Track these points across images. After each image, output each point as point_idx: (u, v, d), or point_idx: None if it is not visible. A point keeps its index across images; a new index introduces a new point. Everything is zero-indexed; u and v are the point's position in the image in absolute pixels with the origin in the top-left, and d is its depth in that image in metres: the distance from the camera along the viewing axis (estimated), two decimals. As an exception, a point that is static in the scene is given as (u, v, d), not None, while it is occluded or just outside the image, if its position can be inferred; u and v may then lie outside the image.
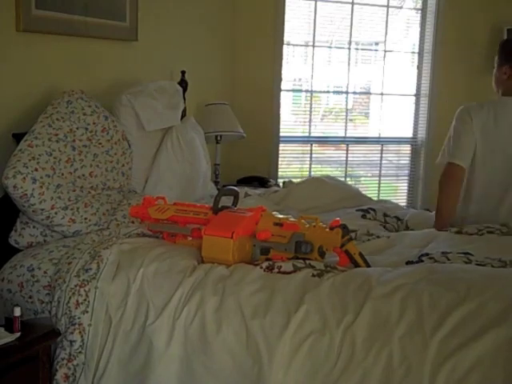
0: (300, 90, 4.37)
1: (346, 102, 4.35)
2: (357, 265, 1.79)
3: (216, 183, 3.37)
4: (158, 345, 1.68)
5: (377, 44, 4.45)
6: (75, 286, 1.82)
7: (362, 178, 4.50)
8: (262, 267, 1.76)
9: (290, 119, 4.29)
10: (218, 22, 3.69)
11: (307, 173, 4.25)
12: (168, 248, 1.93)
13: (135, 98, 2.60)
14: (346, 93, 4.34)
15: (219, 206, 1.96)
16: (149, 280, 1.78)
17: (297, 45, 4.21)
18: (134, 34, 2.92)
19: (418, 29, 4.36)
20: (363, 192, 3.18)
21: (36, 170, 2.06)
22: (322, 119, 4.43)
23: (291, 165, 4.27)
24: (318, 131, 4.35)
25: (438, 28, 4.27)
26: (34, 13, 2.37)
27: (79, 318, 1.79)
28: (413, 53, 4.41)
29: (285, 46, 4.01)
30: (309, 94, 4.27)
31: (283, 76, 4.01)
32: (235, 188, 2.12)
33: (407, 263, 1.87)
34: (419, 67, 4.41)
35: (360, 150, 4.45)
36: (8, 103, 2.32)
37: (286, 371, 1.53)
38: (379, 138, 4.45)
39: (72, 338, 1.78)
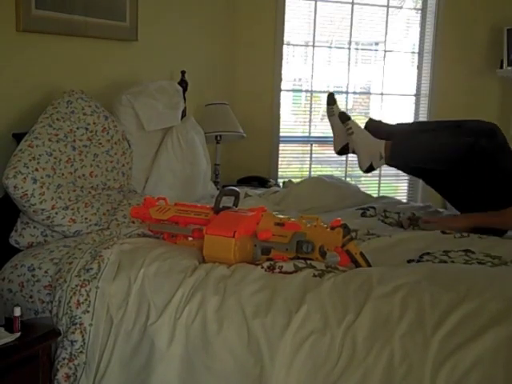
0: (300, 90, 4.37)
1: (346, 102, 4.35)
2: (358, 264, 1.79)
3: (216, 183, 3.37)
4: (160, 345, 1.68)
5: (377, 44, 4.45)
6: (76, 285, 1.82)
7: (362, 178, 4.49)
8: (263, 267, 1.76)
9: (290, 119, 4.29)
10: (218, 22, 3.69)
11: (307, 173, 4.25)
12: (169, 248, 1.93)
13: (135, 98, 2.60)
14: (346, 93, 4.34)
15: (220, 206, 1.96)
16: (150, 280, 1.78)
17: (297, 45, 4.21)
18: (134, 34, 2.92)
19: (418, 29, 4.37)
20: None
21: (36, 170, 2.06)
22: (322, 119, 4.42)
23: (291, 165, 4.27)
24: (317, 131, 4.34)
25: (438, 28, 4.27)
26: (34, 13, 2.37)
27: (80, 317, 1.78)
28: (413, 53, 4.41)
29: (285, 46, 4.01)
30: (309, 94, 4.27)
31: (283, 76, 4.02)
32: (236, 188, 2.12)
33: (408, 262, 1.88)
34: (419, 67, 4.41)
35: (360, 150, 4.44)
36: (8, 103, 2.32)
37: (287, 370, 1.53)
38: (379, 138, 4.44)
39: (73, 338, 1.78)
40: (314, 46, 4.17)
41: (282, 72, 4.00)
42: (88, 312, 1.79)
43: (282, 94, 4.04)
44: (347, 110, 4.35)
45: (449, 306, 1.49)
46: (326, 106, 2.54)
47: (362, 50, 4.41)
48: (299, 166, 4.31)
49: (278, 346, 1.55)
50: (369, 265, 1.80)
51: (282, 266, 1.75)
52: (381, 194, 4.33)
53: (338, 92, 4.40)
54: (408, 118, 4.46)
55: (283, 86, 4.04)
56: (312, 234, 1.81)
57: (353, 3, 4.18)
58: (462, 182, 2.30)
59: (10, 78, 2.33)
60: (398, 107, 4.47)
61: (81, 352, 1.78)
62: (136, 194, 2.50)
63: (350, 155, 4.29)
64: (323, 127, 4.42)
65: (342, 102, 4.38)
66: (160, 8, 3.14)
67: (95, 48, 2.72)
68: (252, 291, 1.66)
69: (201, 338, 1.65)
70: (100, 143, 2.36)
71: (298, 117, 4.34)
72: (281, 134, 4.07)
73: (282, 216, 1.91)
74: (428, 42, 4.34)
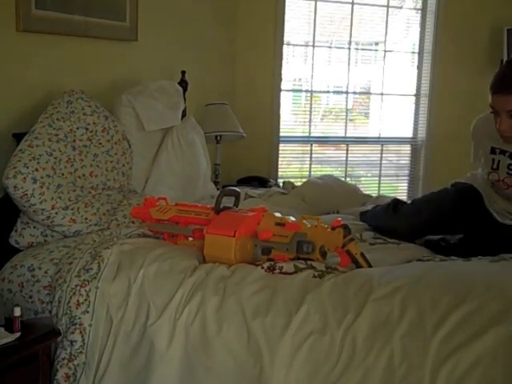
0: (300, 90, 4.37)
1: (346, 102, 4.35)
2: (358, 265, 1.79)
3: (216, 183, 3.37)
4: (159, 345, 1.68)
5: (377, 44, 4.45)
6: (76, 285, 1.82)
7: (362, 178, 4.50)
8: (263, 267, 1.76)
9: (290, 119, 4.29)
10: (218, 21, 3.69)
11: (307, 173, 4.25)
12: (169, 248, 1.93)
13: (135, 98, 2.60)
14: (346, 93, 4.34)
15: (221, 206, 1.96)
16: (149, 280, 1.78)
17: (297, 45, 4.21)
18: (134, 34, 2.92)
19: (418, 29, 4.36)
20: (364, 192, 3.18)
21: (36, 170, 2.06)
22: (321, 119, 4.43)
23: (291, 165, 4.27)
24: (317, 131, 4.35)
25: (438, 28, 4.27)
26: (34, 13, 2.37)
27: (80, 318, 1.79)
28: (413, 53, 4.41)
29: (285, 46, 4.01)
30: (309, 94, 4.27)
31: (283, 76, 4.01)
32: (236, 189, 2.12)
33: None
34: (419, 67, 4.41)
35: (360, 149, 4.45)
36: (8, 103, 2.32)
37: (287, 371, 1.53)
38: (379, 138, 4.45)
39: (73, 338, 1.78)
40: (314, 45, 4.17)
41: (282, 72, 4.00)
42: (88, 312, 1.79)
43: (282, 93, 4.04)
44: (347, 109, 4.35)
45: (449, 307, 1.49)
46: None
47: (362, 49, 4.41)
48: (299, 166, 4.31)
49: (278, 346, 1.55)
50: (369, 265, 1.79)
51: (282, 267, 1.74)
52: (380, 194, 4.34)
53: (338, 92, 4.41)
54: (408, 117, 4.46)
55: (283, 86, 4.04)
56: (313, 234, 1.81)
57: (353, 3, 4.17)
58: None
59: (10, 78, 2.33)
60: (398, 107, 4.47)
61: (80, 352, 1.78)
62: (136, 194, 2.50)
63: (350, 155, 4.33)
64: (323, 127, 4.43)
65: (342, 102, 4.39)
66: (160, 8, 3.14)
67: (95, 48, 2.72)
68: (252, 291, 1.66)
69: (200, 339, 1.65)
70: (100, 143, 2.36)
71: (298, 117, 4.34)
72: (281, 134, 4.07)
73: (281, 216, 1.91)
74: (428, 42, 4.33)
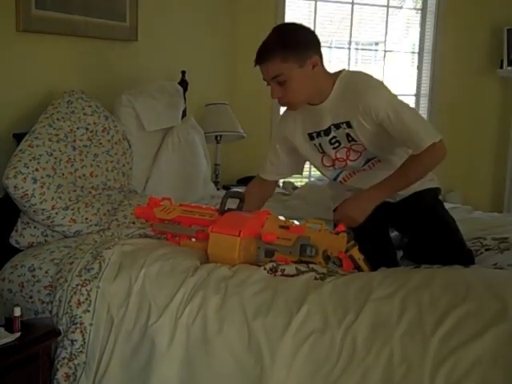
0: (300, 90, 4.36)
1: (346, 102, 4.34)
2: (361, 270, 1.79)
3: (216, 183, 3.37)
4: (160, 344, 1.68)
5: (377, 44, 4.45)
6: (77, 285, 1.82)
7: (362, 178, 4.49)
8: (265, 268, 1.76)
9: (290, 119, 4.28)
10: (219, 21, 3.69)
11: (307, 173, 4.25)
12: (170, 249, 1.94)
13: (135, 98, 2.60)
14: (346, 93, 4.33)
15: (225, 208, 1.97)
16: (151, 280, 1.79)
17: (297, 45, 4.20)
18: (134, 34, 2.92)
19: (418, 29, 4.37)
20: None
21: (37, 170, 2.06)
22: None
23: (291, 165, 4.25)
24: (318, 131, 4.34)
25: (438, 28, 4.27)
26: (34, 13, 2.37)
27: (80, 317, 1.79)
28: (413, 53, 4.41)
29: (285, 46, 4.01)
30: (309, 94, 4.26)
31: (283, 76, 4.01)
32: (241, 191, 2.14)
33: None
34: (419, 67, 4.41)
35: (360, 150, 4.44)
36: (8, 103, 2.32)
37: (287, 371, 1.53)
38: (379, 137, 4.45)
39: (73, 338, 1.78)
40: (314, 45, 4.16)
41: (282, 72, 4.00)
42: (88, 311, 1.79)
43: (282, 93, 4.04)
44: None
45: (448, 307, 1.50)
46: None
47: (362, 50, 4.41)
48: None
49: (279, 346, 1.55)
50: (372, 271, 1.80)
51: (284, 269, 1.75)
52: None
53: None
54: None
55: (283, 86, 4.03)
56: (316, 238, 1.81)
57: (353, 3, 4.18)
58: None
59: (10, 78, 2.33)
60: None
61: (81, 352, 1.78)
62: (136, 195, 2.50)
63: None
64: (323, 127, 4.42)
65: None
66: (160, 8, 3.14)
67: (95, 48, 2.72)
68: (253, 292, 1.67)
69: (201, 338, 1.65)
70: (100, 143, 2.36)
71: (298, 117, 4.33)
72: (281, 134, 4.06)
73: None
74: (428, 42, 4.34)
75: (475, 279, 1.64)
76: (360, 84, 1.95)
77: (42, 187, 2.05)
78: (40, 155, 2.09)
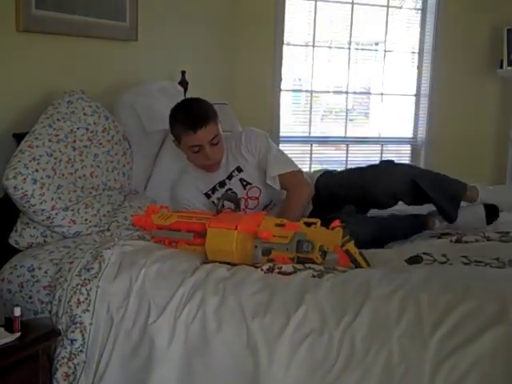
0: (300, 90, 4.37)
1: (346, 102, 4.35)
2: (357, 264, 1.80)
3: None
4: (160, 344, 1.68)
5: (377, 44, 4.45)
6: (76, 284, 1.82)
7: (362, 178, 4.49)
8: (262, 269, 1.77)
9: (290, 119, 4.29)
10: (218, 21, 3.69)
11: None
12: (170, 250, 1.95)
13: (136, 99, 2.60)
14: (346, 93, 4.34)
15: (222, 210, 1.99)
16: (150, 280, 1.79)
17: (297, 45, 4.21)
18: (134, 33, 2.92)
19: (418, 29, 4.37)
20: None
21: (36, 170, 2.06)
22: (321, 119, 4.43)
23: (291, 165, 4.26)
24: (317, 131, 4.35)
25: (438, 28, 4.27)
26: (34, 13, 2.37)
27: (80, 316, 1.79)
28: (413, 53, 4.41)
29: (285, 46, 4.01)
30: (309, 94, 4.27)
31: (283, 76, 4.01)
32: (237, 195, 2.17)
33: (407, 260, 1.88)
34: (419, 67, 4.41)
35: (360, 149, 4.45)
36: (8, 103, 2.32)
37: (285, 370, 1.53)
38: (379, 137, 4.46)
39: (73, 337, 1.78)
40: (314, 46, 4.17)
41: (282, 72, 4.00)
42: (88, 311, 1.79)
43: (282, 93, 4.04)
44: (347, 109, 4.35)
45: (447, 307, 1.49)
46: None
47: (362, 50, 4.41)
48: (299, 165, 4.28)
49: (277, 345, 1.55)
50: (368, 264, 1.80)
51: (281, 267, 1.76)
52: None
53: (338, 92, 4.40)
54: (408, 117, 4.46)
55: (283, 85, 4.04)
56: (312, 234, 1.83)
57: (353, 3, 4.18)
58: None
59: (10, 78, 2.33)
60: (398, 107, 4.47)
61: (80, 351, 1.78)
62: (137, 195, 2.51)
63: (350, 155, 4.33)
64: (323, 127, 4.43)
65: (342, 102, 4.39)
66: (160, 8, 3.14)
67: (95, 48, 2.72)
68: (251, 292, 1.67)
69: (200, 338, 1.65)
70: (100, 143, 2.36)
71: (298, 117, 4.34)
72: (281, 134, 4.07)
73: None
74: (428, 42, 4.34)
75: (475, 279, 1.64)
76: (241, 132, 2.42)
77: (41, 188, 2.05)
78: (40, 156, 2.09)
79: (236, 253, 1.81)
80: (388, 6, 4.29)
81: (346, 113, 4.36)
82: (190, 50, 3.40)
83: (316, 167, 4.30)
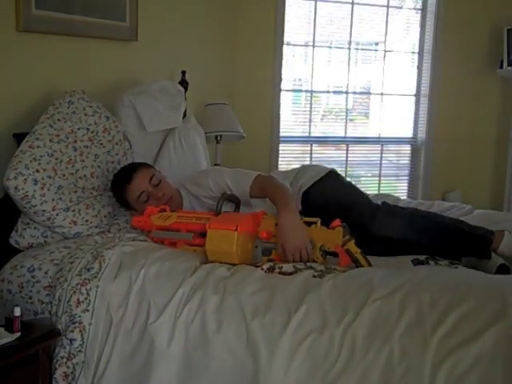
0: (300, 90, 4.37)
1: (346, 102, 4.35)
2: (358, 264, 1.80)
3: (216, 183, 3.36)
4: (160, 343, 1.68)
5: (377, 44, 4.45)
6: (76, 284, 1.82)
7: (362, 178, 4.49)
8: (263, 269, 1.77)
9: (290, 119, 4.28)
10: (218, 22, 3.69)
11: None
12: (170, 250, 1.96)
13: (136, 99, 2.60)
14: (346, 93, 4.34)
15: (222, 211, 1.99)
16: (150, 280, 1.79)
17: (297, 45, 4.21)
18: (134, 34, 2.92)
19: (418, 29, 4.36)
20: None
21: (37, 171, 2.06)
22: (321, 119, 4.42)
23: (291, 165, 4.25)
24: (317, 131, 4.34)
25: (438, 28, 4.27)
26: (34, 13, 2.37)
27: (80, 316, 1.79)
28: (413, 53, 4.41)
29: (285, 46, 4.01)
30: (309, 94, 4.26)
31: (283, 76, 4.01)
32: (237, 196, 2.16)
33: (413, 261, 1.88)
34: (419, 67, 4.40)
35: (360, 149, 4.45)
36: (8, 103, 2.32)
37: (286, 370, 1.53)
38: (379, 138, 4.45)
39: (72, 337, 1.78)
40: (314, 46, 4.16)
41: (282, 72, 4.00)
42: (88, 311, 1.79)
43: (282, 93, 4.04)
44: (347, 109, 4.36)
45: (448, 306, 1.50)
46: None
47: (362, 50, 4.40)
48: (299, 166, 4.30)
49: (277, 345, 1.55)
50: (369, 264, 1.80)
51: (281, 267, 1.76)
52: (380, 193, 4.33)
53: (338, 92, 4.40)
54: (408, 117, 4.46)
55: (283, 86, 4.04)
56: (312, 233, 1.83)
57: (353, 3, 4.17)
58: None
59: (10, 78, 2.33)
60: (398, 107, 4.47)
61: (79, 351, 1.78)
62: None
63: (350, 155, 4.33)
64: (323, 127, 4.42)
65: (341, 102, 4.39)
66: (160, 8, 3.14)
67: (95, 48, 2.72)
68: (251, 291, 1.67)
69: (200, 337, 1.65)
70: (101, 144, 2.36)
71: (298, 117, 4.33)
72: (281, 134, 4.07)
73: None
74: (428, 42, 4.33)
75: (475, 279, 1.65)
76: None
77: (42, 188, 2.05)
78: (41, 156, 2.09)
79: (236, 254, 1.81)
80: (388, 6, 4.29)
81: (346, 113, 4.36)
82: (190, 50, 3.40)
83: (316, 167, 4.30)
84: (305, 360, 1.53)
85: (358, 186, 3.60)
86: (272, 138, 4.03)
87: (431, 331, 1.46)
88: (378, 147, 4.44)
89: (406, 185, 4.56)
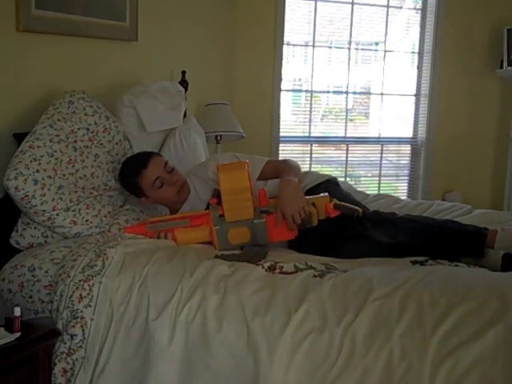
0: (300, 90, 4.37)
1: (346, 102, 4.35)
2: (349, 211, 2.01)
3: (216, 183, 3.36)
4: (160, 341, 1.69)
5: (377, 44, 4.45)
6: (79, 280, 1.83)
7: (362, 178, 4.50)
8: (263, 267, 1.77)
9: (290, 119, 4.29)
10: (218, 21, 3.69)
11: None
12: (172, 249, 1.96)
13: (137, 99, 2.60)
14: (346, 93, 4.34)
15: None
16: (152, 278, 1.80)
17: (297, 45, 4.21)
18: (133, 34, 2.92)
19: (418, 29, 4.37)
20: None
21: (37, 171, 2.05)
22: (321, 119, 4.43)
23: (291, 165, 4.26)
24: (317, 131, 4.35)
25: (437, 28, 4.27)
26: (34, 13, 2.37)
27: (82, 311, 1.79)
28: (413, 53, 4.42)
29: (285, 46, 4.01)
30: (309, 94, 4.27)
31: (283, 76, 4.02)
32: None
33: (412, 262, 1.88)
34: (419, 67, 4.41)
35: (360, 149, 4.45)
36: (8, 103, 2.32)
37: (286, 369, 1.54)
38: (379, 138, 4.46)
39: (73, 332, 1.78)
40: (314, 46, 4.17)
41: (282, 72, 4.00)
42: (90, 306, 1.79)
43: (282, 93, 4.04)
44: (347, 109, 4.36)
45: (448, 306, 1.50)
46: None
47: (362, 50, 4.41)
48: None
49: (277, 344, 1.56)
50: (356, 208, 2.03)
51: (282, 267, 1.76)
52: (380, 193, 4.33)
53: (338, 92, 4.41)
54: (408, 117, 4.46)
55: (283, 86, 4.04)
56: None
57: (353, 3, 4.18)
58: None
59: (10, 78, 2.33)
60: (398, 107, 4.47)
61: (80, 347, 1.78)
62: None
63: (350, 155, 4.33)
64: (323, 127, 4.43)
65: (341, 102, 4.39)
66: (160, 8, 3.14)
67: (95, 48, 2.72)
68: (252, 290, 1.68)
69: (201, 336, 1.66)
70: (101, 144, 2.36)
71: (298, 117, 4.34)
72: (281, 134, 4.07)
73: None
74: (428, 42, 4.34)
75: (475, 279, 1.64)
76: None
77: (42, 188, 2.05)
78: (41, 156, 2.09)
79: (250, 190, 1.95)
80: (388, 6, 4.29)
81: (346, 113, 4.36)
82: (190, 50, 3.40)
83: (316, 167, 4.31)
84: (305, 359, 1.54)
85: (358, 186, 3.63)
86: (272, 138, 4.04)
87: (431, 331, 1.46)
88: (378, 147, 4.45)
89: (405, 185, 4.56)
